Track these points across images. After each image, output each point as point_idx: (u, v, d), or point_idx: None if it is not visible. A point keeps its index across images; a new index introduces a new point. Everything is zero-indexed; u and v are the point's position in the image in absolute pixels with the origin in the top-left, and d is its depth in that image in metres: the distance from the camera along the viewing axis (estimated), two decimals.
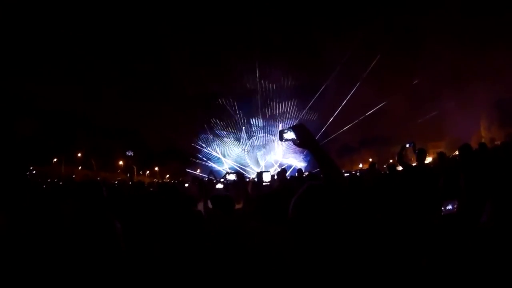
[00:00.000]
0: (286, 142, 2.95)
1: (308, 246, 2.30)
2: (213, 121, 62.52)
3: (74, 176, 54.20)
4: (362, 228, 2.77)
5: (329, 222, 2.30)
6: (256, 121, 61.72)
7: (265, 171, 12.44)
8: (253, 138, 63.32)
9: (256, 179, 12.43)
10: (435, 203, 6.06)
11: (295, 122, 56.69)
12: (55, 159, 67.55)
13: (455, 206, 5.51)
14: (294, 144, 2.85)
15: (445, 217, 5.39)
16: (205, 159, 64.32)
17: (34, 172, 46.55)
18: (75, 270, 2.83)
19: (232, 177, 10.91)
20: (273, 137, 61.40)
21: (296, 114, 58.44)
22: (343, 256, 2.27)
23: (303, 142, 2.78)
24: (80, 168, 73.29)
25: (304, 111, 58.37)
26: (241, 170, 54.17)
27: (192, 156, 65.44)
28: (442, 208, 5.46)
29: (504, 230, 2.58)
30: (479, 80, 46.55)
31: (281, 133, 2.93)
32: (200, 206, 7.61)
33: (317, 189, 2.44)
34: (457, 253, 2.55)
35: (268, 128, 61.94)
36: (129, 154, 58.21)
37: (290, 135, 2.86)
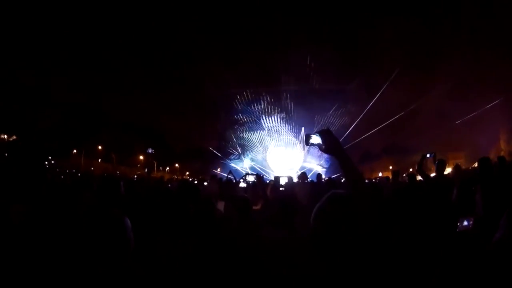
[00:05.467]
0: (311, 146, 2.91)
1: (329, 257, 2.27)
2: (235, 121, 62.32)
3: (92, 168, 54.58)
4: (383, 241, 2.72)
5: (352, 234, 2.25)
6: (279, 122, 61.38)
7: (282, 176, 12.45)
8: (275, 140, 62.98)
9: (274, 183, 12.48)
10: (451, 217, 5.98)
11: (318, 126, 56.63)
12: (75, 151, 67.88)
13: (471, 222, 5.41)
14: (320, 149, 2.81)
15: (460, 234, 5.32)
16: (226, 158, 64.31)
17: (53, 162, 46.88)
18: (79, 265, 2.82)
19: (251, 178, 10.94)
20: (295, 139, 61.18)
21: (320, 117, 58.01)
22: (363, 269, 2.24)
23: (328, 147, 2.75)
24: (99, 161, 73.69)
25: (329, 114, 57.85)
26: (261, 171, 54.20)
27: (212, 154, 65.47)
28: (458, 224, 5.37)
29: None
30: (500, 92, 46.14)
31: (307, 137, 2.89)
32: (221, 206, 7.62)
33: (340, 199, 2.39)
34: (470, 272, 2.47)
35: (291, 130, 61.65)
36: (150, 152, 58.49)
37: (316, 139, 2.83)
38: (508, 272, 2.35)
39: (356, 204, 2.36)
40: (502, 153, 44.08)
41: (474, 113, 47.32)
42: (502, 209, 4.52)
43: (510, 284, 2.31)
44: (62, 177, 18.81)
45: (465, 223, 5.39)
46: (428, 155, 9.17)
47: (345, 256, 2.23)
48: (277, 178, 11.54)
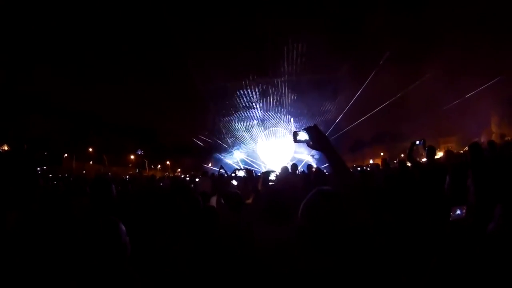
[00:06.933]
0: (299, 143, 2.96)
1: (316, 252, 2.28)
2: (225, 114, 62.15)
3: (84, 172, 54.39)
4: (375, 232, 2.75)
5: (340, 229, 2.27)
6: (269, 114, 61.25)
7: (271, 171, 12.59)
8: (265, 132, 62.89)
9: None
10: (444, 205, 5.97)
11: (309, 115, 56.74)
12: (66, 155, 67.56)
13: (464, 211, 5.37)
14: (308, 145, 2.85)
15: (453, 223, 5.29)
16: (217, 153, 64.26)
17: (45, 168, 46.62)
18: (75, 271, 2.83)
19: (241, 173, 10.99)
20: (285, 130, 61.02)
21: (310, 106, 57.89)
22: (354, 262, 2.25)
23: (316, 143, 2.79)
24: (91, 163, 73.49)
25: (320, 102, 57.74)
26: (252, 165, 54.22)
27: (203, 150, 65.40)
28: (451, 213, 5.34)
29: None
30: (491, 75, 46.14)
31: (295, 134, 2.94)
32: (213, 201, 7.66)
33: (325, 195, 2.42)
34: (464, 263, 2.47)
35: (282, 121, 61.52)
36: (139, 153, 58.42)
37: (303, 136, 2.87)
38: (504, 263, 2.38)
39: (343, 199, 2.38)
40: (493, 136, 44.17)
41: (465, 96, 47.34)
42: (494, 195, 4.53)
43: (506, 275, 2.33)
44: (55, 182, 18.76)
45: (458, 212, 5.36)
46: (417, 142, 9.19)
47: (335, 251, 2.25)
48: (266, 174, 11.57)
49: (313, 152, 58.20)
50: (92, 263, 2.74)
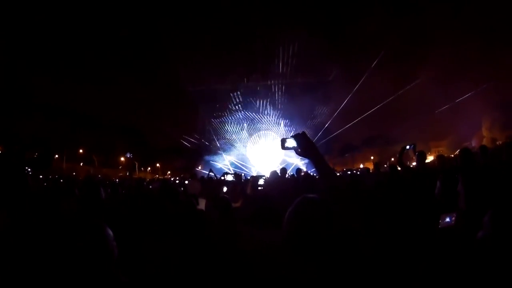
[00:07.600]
0: (287, 150, 2.93)
1: (301, 258, 2.26)
2: (215, 116, 62.14)
3: (74, 173, 54.24)
4: (365, 238, 2.72)
5: (323, 237, 2.25)
6: (259, 117, 61.24)
7: (260, 176, 12.72)
8: (255, 135, 62.87)
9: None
10: (434, 211, 5.94)
11: (299, 121, 56.86)
12: (56, 156, 67.32)
13: (453, 218, 5.31)
14: (296, 152, 2.83)
15: (442, 231, 5.23)
16: (207, 156, 64.15)
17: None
18: (62, 274, 2.79)
19: (230, 177, 10.97)
20: (275, 134, 60.99)
21: (301, 110, 57.95)
22: (343, 268, 2.24)
23: (304, 150, 2.77)
24: (81, 164, 73.28)
25: (311, 106, 57.86)
26: (242, 168, 54.24)
27: (193, 152, 65.33)
28: (440, 221, 5.27)
29: (504, 248, 2.48)
30: (483, 79, 46.29)
31: (283, 141, 2.91)
32: (202, 204, 7.63)
33: (311, 203, 2.40)
34: (453, 270, 2.45)
35: (272, 124, 61.54)
36: (129, 156, 58.36)
37: (291, 143, 2.84)
38: (492, 272, 2.36)
39: (329, 207, 2.36)
40: (484, 140, 44.34)
41: (456, 101, 47.48)
42: (485, 202, 4.48)
43: (496, 282, 2.31)
44: (45, 183, 18.66)
45: (447, 219, 5.29)
46: (408, 147, 9.15)
47: (320, 257, 2.23)
48: (255, 178, 11.57)
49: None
50: (77, 266, 2.71)
